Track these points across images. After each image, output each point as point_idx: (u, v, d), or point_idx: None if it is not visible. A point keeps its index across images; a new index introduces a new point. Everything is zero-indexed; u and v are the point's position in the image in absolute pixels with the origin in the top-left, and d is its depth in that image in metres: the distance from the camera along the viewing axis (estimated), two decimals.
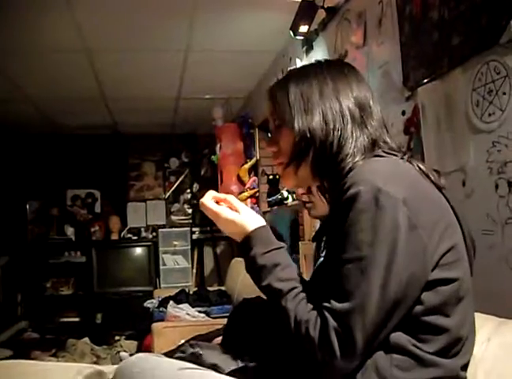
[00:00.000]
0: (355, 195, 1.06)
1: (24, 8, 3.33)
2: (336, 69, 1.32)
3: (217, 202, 1.30)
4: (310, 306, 1.08)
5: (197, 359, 1.49)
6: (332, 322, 1.01)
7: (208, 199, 1.29)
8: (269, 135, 1.40)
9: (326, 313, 1.03)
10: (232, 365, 1.40)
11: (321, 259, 1.87)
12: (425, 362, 1.06)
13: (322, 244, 2.16)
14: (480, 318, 1.25)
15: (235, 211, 1.27)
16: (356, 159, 1.18)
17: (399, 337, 1.06)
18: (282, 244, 1.23)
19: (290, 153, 1.28)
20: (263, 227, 1.24)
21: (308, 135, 1.23)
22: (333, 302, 1.03)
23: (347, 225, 1.06)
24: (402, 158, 1.20)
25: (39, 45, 4.00)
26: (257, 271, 1.18)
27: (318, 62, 1.36)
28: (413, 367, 1.05)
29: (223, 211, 1.26)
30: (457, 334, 1.10)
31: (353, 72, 1.32)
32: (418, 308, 1.06)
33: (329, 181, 1.25)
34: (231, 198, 1.30)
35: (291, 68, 1.42)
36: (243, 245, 1.24)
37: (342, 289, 1.03)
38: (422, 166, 1.19)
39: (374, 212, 1.03)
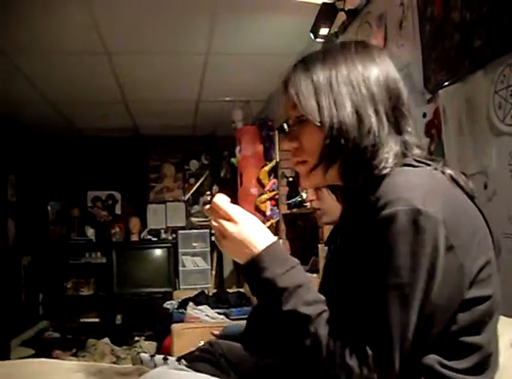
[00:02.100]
0: (392, 216, 0.97)
1: (44, 9, 3.36)
2: (363, 49, 1.17)
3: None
4: (342, 334, 1.00)
5: (216, 360, 1.50)
6: (370, 353, 0.95)
7: (225, 199, 1.13)
8: (286, 128, 1.24)
9: (365, 343, 0.96)
10: (252, 366, 1.41)
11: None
12: None
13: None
14: (502, 321, 1.23)
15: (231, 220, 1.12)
16: (389, 166, 1.08)
17: (429, 359, 1.02)
18: (296, 260, 1.10)
19: (317, 152, 1.13)
20: (275, 242, 1.10)
21: (339, 133, 1.09)
22: (372, 332, 0.97)
23: (383, 247, 0.98)
24: (436, 168, 1.10)
25: (60, 47, 4.04)
26: (276, 295, 1.04)
27: (343, 44, 1.21)
28: None
29: (229, 226, 1.11)
30: (488, 350, 1.06)
31: (383, 56, 1.18)
32: (452, 328, 1.02)
33: (357, 184, 1.13)
34: (229, 209, 1.13)
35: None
36: (253, 265, 1.08)
37: (381, 319, 0.96)
38: (454, 175, 1.10)
39: (414, 235, 0.96)
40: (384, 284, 0.97)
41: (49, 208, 7.17)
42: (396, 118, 1.13)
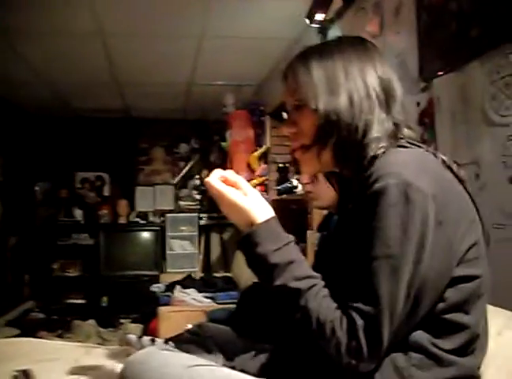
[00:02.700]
0: (383, 189, 1.01)
1: None
2: (360, 46, 1.25)
3: (224, 182, 1.18)
4: (335, 304, 1.04)
5: (204, 342, 1.50)
6: (360, 322, 0.98)
7: (215, 178, 1.18)
8: (285, 116, 1.31)
9: (353, 313, 0.99)
10: (241, 349, 1.41)
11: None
12: (443, 361, 1.04)
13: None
14: (490, 311, 1.24)
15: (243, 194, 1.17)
16: (381, 146, 1.12)
17: (418, 336, 1.05)
18: (291, 237, 1.14)
19: (313, 135, 1.19)
20: (272, 218, 1.14)
21: (334, 117, 1.15)
22: (360, 301, 1.00)
23: (374, 219, 1.01)
24: (427, 150, 1.16)
25: (56, 29, 4.00)
26: (268, 270, 1.09)
27: (340, 39, 1.30)
28: (431, 366, 1.04)
29: (229, 192, 1.15)
30: (476, 331, 1.09)
31: (376, 50, 1.26)
32: (440, 305, 1.05)
33: (352, 167, 1.18)
34: (239, 180, 1.19)
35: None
36: (248, 239, 1.12)
37: (371, 288, 0.99)
38: (445, 159, 1.16)
39: (404, 207, 0.99)
40: (374, 255, 1.00)
41: (36, 188, 7.11)
42: (387, 101, 1.19)
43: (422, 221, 0.99)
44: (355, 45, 1.24)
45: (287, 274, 1.07)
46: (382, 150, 1.12)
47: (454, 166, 1.16)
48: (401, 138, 1.17)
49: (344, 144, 1.17)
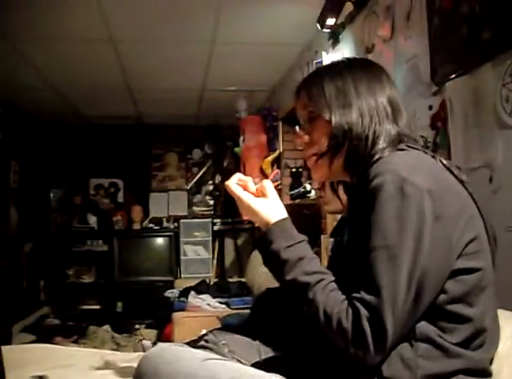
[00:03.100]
0: (380, 184, 1.07)
1: None
2: (368, 67, 1.36)
3: (241, 184, 1.28)
4: (342, 297, 1.08)
5: (219, 349, 1.51)
6: (364, 312, 1.01)
7: (234, 182, 1.28)
8: (298, 127, 1.41)
9: (357, 304, 1.03)
10: (256, 356, 1.41)
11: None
12: (450, 352, 1.06)
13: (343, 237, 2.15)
14: (504, 315, 1.25)
15: (262, 193, 1.26)
16: (384, 153, 1.19)
17: (424, 327, 1.07)
18: (304, 236, 1.21)
19: (325, 144, 1.28)
20: (284, 219, 1.22)
21: (346, 127, 1.24)
22: (362, 292, 1.03)
23: (373, 214, 1.07)
24: (425, 152, 1.22)
25: (66, 35, 4.03)
26: (280, 265, 1.16)
27: (348, 59, 1.39)
28: (438, 357, 1.06)
29: (246, 197, 1.25)
30: (481, 325, 1.10)
31: (383, 71, 1.35)
32: (442, 297, 1.07)
33: (359, 175, 1.23)
34: (265, 185, 1.28)
35: (318, 61, 1.48)
36: (263, 238, 1.21)
37: (371, 278, 1.03)
38: (444, 161, 1.21)
39: (400, 200, 1.04)
40: (372, 246, 1.05)
41: (51, 195, 7.17)
42: (393, 115, 1.28)
43: (418, 213, 1.04)
44: (364, 65, 1.36)
45: (297, 269, 1.13)
46: (384, 153, 1.19)
47: (454, 168, 1.21)
48: (401, 142, 1.23)
49: (354, 153, 1.24)
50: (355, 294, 1.05)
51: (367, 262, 1.05)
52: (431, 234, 1.03)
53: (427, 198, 1.04)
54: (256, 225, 1.27)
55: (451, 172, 1.19)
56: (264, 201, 1.24)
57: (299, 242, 1.18)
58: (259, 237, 1.23)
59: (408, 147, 1.21)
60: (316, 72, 1.37)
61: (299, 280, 1.12)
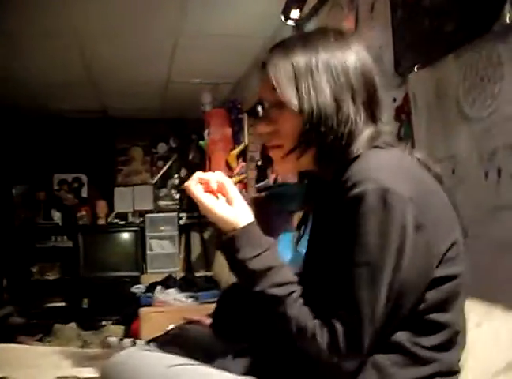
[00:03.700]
0: (361, 194, 0.99)
1: None
2: (342, 38, 1.18)
3: (203, 183, 1.17)
4: (313, 311, 1.04)
5: (185, 343, 1.50)
6: (340, 329, 0.98)
7: (194, 183, 1.16)
8: (260, 112, 1.24)
9: (334, 320, 0.99)
10: (223, 348, 1.40)
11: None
12: (424, 359, 1.05)
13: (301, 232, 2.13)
14: (469, 304, 1.25)
15: (224, 195, 1.17)
16: (361, 150, 1.11)
17: (399, 336, 1.05)
18: (271, 241, 1.14)
19: (294, 138, 1.15)
20: (250, 224, 1.14)
21: (318, 120, 1.11)
22: (340, 308, 1.00)
23: (353, 226, 1.00)
24: (403, 150, 1.15)
25: (30, 29, 3.96)
26: (247, 276, 1.10)
27: (322, 30, 1.22)
28: (412, 364, 1.04)
29: (207, 201, 1.15)
30: (456, 328, 1.09)
31: (360, 45, 1.21)
32: (421, 306, 1.05)
33: (331, 170, 1.15)
34: (219, 178, 1.18)
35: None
36: (228, 244, 1.12)
37: (350, 295, 0.99)
38: (422, 159, 1.16)
39: (382, 213, 0.98)
40: (354, 262, 1.00)
41: (14, 191, 7.03)
42: (371, 108, 1.16)
43: (401, 227, 0.99)
44: (338, 35, 1.18)
45: (266, 280, 1.07)
46: (359, 152, 1.11)
47: (431, 164, 1.16)
48: (377, 139, 1.15)
49: (326, 149, 1.13)
50: (331, 310, 1.01)
51: (347, 277, 1.00)
52: (412, 246, 0.99)
53: (410, 208, 0.99)
54: (220, 228, 1.17)
55: (428, 169, 1.14)
56: (227, 205, 1.16)
57: (267, 250, 1.11)
58: (223, 242, 1.14)
59: (385, 143, 1.14)
60: (286, 43, 1.19)
61: (268, 293, 1.07)
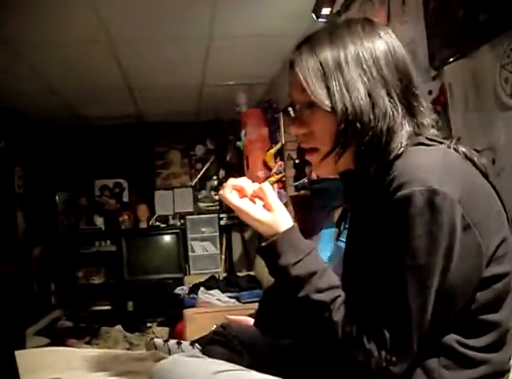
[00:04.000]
0: (408, 197, 0.96)
1: (45, 0, 3.35)
2: (370, 27, 1.14)
3: (237, 190, 1.16)
4: (360, 316, 1.02)
5: (229, 341, 1.52)
6: (389, 335, 0.97)
7: (229, 191, 1.15)
8: (293, 113, 1.20)
9: (381, 325, 0.98)
10: (264, 348, 1.42)
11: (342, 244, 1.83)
12: (474, 361, 1.03)
13: (342, 228, 2.12)
14: None
15: (262, 200, 1.15)
16: (402, 145, 1.07)
17: (448, 338, 1.03)
18: (312, 244, 1.13)
19: (330, 139, 1.11)
20: (291, 228, 1.12)
21: (354, 118, 1.06)
22: (389, 313, 0.98)
23: (400, 229, 0.98)
24: (448, 146, 1.09)
25: (62, 37, 4.02)
26: (290, 282, 1.08)
27: (349, 22, 1.16)
28: (462, 367, 1.02)
29: (245, 207, 1.13)
30: (506, 327, 1.06)
31: (390, 33, 1.16)
32: (472, 306, 1.02)
33: (373, 169, 1.10)
34: (263, 188, 1.16)
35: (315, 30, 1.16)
36: (269, 250, 1.11)
37: (399, 300, 0.97)
38: (468, 153, 1.10)
39: (431, 215, 0.95)
40: (402, 266, 0.97)
41: (57, 198, 7.19)
42: (408, 99, 1.11)
43: (450, 229, 0.96)
44: (367, 28, 1.13)
45: (309, 286, 1.06)
46: (402, 149, 1.07)
47: (476, 158, 1.10)
48: (420, 135, 1.11)
49: (366, 148, 1.08)
50: (379, 315, 0.99)
51: (394, 281, 0.99)
52: (462, 248, 0.97)
53: (458, 209, 0.96)
54: (260, 232, 1.16)
55: (475, 165, 1.09)
56: (264, 210, 1.14)
57: (308, 254, 1.09)
58: (264, 247, 1.12)
59: (428, 139, 1.09)
60: (312, 39, 1.14)
61: (312, 298, 1.06)
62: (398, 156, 1.06)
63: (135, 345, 5.13)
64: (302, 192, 4.59)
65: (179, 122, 7.29)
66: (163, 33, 4.10)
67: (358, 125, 1.06)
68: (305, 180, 4.44)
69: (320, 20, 3.26)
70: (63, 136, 7.12)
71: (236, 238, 7.33)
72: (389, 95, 1.08)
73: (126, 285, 6.88)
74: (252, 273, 5.54)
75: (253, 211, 1.13)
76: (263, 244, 1.12)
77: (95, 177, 7.27)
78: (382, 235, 1.02)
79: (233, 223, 7.15)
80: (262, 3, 3.65)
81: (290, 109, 1.22)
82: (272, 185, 5.33)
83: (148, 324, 5.91)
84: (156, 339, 2.27)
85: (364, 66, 1.08)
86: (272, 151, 5.37)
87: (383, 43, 1.11)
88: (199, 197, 7.52)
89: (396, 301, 0.98)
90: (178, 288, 5.46)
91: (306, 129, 1.16)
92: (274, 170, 5.29)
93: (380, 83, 1.08)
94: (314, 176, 4.27)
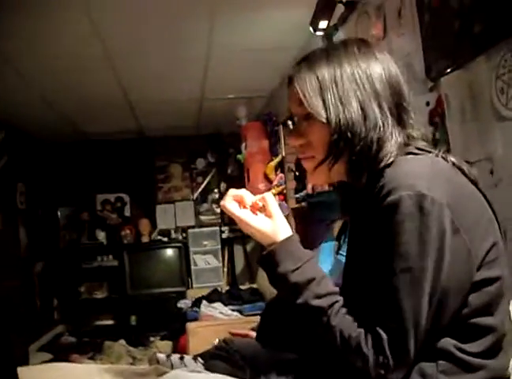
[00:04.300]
0: (397, 202, 1.00)
1: (44, 16, 3.38)
2: (366, 48, 1.19)
3: (240, 202, 1.19)
4: (357, 321, 1.04)
5: (231, 356, 1.52)
6: (385, 337, 0.99)
7: (229, 201, 1.18)
8: (291, 125, 1.29)
9: (378, 329, 1.00)
10: (268, 362, 1.42)
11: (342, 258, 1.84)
12: (472, 366, 1.03)
13: (342, 241, 2.12)
14: None
15: (263, 210, 1.18)
16: (392, 155, 1.10)
17: (444, 343, 1.04)
18: (311, 253, 1.15)
19: (325, 149, 1.15)
20: (289, 237, 1.15)
21: (347, 131, 1.11)
22: (384, 317, 1.00)
23: (390, 234, 1.01)
24: (437, 155, 1.13)
25: (62, 53, 4.05)
26: (289, 289, 1.11)
27: (345, 42, 1.22)
28: (460, 372, 1.03)
29: (245, 217, 1.17)
30: (502, 331, 1.07)
31: (384, 54, 1.21)
32: (464, 311, 1.04)
33: (364, 179, 1.14)
34: (251, 198, 1.20)
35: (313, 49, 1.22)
36: (268, 258, 1.14)
37: (393, 303, 0.99)
38: (456, 162, 1.13)
39: (419, 219, 0.98)
40: (394, 270, 1.00)
41: (59, 213, 7.21)
42: (399, 113, 1.15)
43: (439, 232, 0.99)
44: (362, 48, 1.18)
45: (307, 292, 1.08)
46: (392, 159, 1.10)
47: (465, 167, 1.14)
48: (409, 145, 1.14)
49: (357, 158, 1.13)
50: (375, 320, 1.01)
51: (388, 286, 1.01)
52: (451, 251, 0.99)
53: (447, 213, 0.99)
54: (260, 242, 1.19)
55: (464, 174, 1.12)
56: (265, 219, 1.17)
57: (306, 262, 1.11)
58: (263, 256, 1.15)
59: (418, 149, 1.13)
60: (310, 57, 1.20)
61: (310, 304, 1.07)
62: (388, 165, 1.09)
63: (138, 359, 5.12)
64: (300, 204, 4.60)
65: (180, 136, 7.32)
66: (162, 47, 4.13)
67: (349, 135, 1.11)
68: (306, 192, 4.45)
69: (317, 33, 3.28)
70: (64, 151, 7.16)
71: (238, 250, 7.33)
72: (380, 107, 1.13)
73: (128, 299, 6.88)
74: (254, 286, 5.54)
75: (253, 220, 1.17)
76: (263, 253, 1.15)
77: (96, 191, 7.29)
78: (374, 241, 1.05)
79: (235, 235, 7.16)
80: (260, 17, 3.69)
81: (289, 122, 1.28)
82: (273, 196, 5.35)
83: (151, 339, 5.90)
84: (158, 354, 2.27)
85: (358, 82, 1.13)
86: (273, 163, 5.39)
87: (378, 64, 1.16)
88: (200, 210, 7.53)
89: (390, 303, 1.00)
90: (181, 302, 5.46)
91: (303, 140, 1.21)
92: (275, 183, 5.30)
93: (372, 96, 1.13)
94: (309, 190, 4.29)
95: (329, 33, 3.40)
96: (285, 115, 4.86)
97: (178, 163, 7.56)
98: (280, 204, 5.20)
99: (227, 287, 6.02)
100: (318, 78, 1.14)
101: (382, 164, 1.10)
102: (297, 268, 1.10)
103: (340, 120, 1.12)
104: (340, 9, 3.16)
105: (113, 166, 7.23)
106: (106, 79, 4.72)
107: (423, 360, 1.03)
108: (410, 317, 0.98)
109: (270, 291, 4.28)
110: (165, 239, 7.27)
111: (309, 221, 4.25)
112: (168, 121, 6.55)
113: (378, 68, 1.16)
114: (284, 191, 5.20)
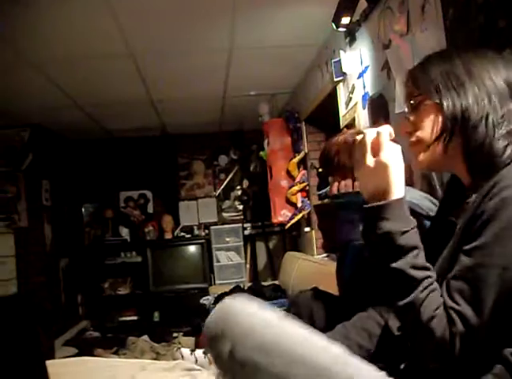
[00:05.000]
0: (509, 199, 0.99)
1: (68, 16, 3.42)
2: (479, 50, 1.23)
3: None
4: (440, 301, 1.02)
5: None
6: (460, 327, 0.98)
7: (386, 133, 1.12)
8: (407, 111, 1.27)
9: (455, 315, 0.99)
10: None
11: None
12: None
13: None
14: None
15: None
16: (509, 154, 1.10)
17: (507, 351, 1.02)
18: (415, 221, 1.11)
19: (434, 133, 1.18)
20: (403, 198, 1.11)
21: (460, 112, 1.13)
22: (464, 305, 1.00)
23: (494, 225, 1.00)
24: None
25: (86, 52, 4.09)
26: (391, 249, 1.06)
27: (457, 47, 1.31)
28: None
29: (396, 148, 1.11)
30: None
31: (496, 53, 1.23)
32: None
33: (478, 171, 1.14)
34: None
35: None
36: (378, 210, 1.09)
37: (478, 295, 0.99)
38: None
39: None
40: (490, 263, 0.99)
41: (83, 210, 7.29)
42: None
43: None
44: (474, 49, 1.23)
45: (406, 259, 1.05)
46: (509, 161, 1.09)
47: None
48: None
49: (470, 145, 1.13)
50: (453, 305, 1.01)
51: (476, 274, 1.00)
52: None
53: None
54: (365, 187, 1.14)
55: None
56: (394, 169, 1.11)
57: (414, 228, 1.09)
58: (374, 207, 1.10)
59: None
60: (423, 59, 1.26)
61: (406, 272, 1.04)
62: (505, 166, 1.08)
63: (161, 355, 5.14)
64: (325, 200, 4.59)
65: (202, 133, 7.35)
66: (184, 45, 4.15)
67: (462, 117, 1.13)
68: (328, 189, 4.44)
69: (340, 29, 3.28)
70: (88, 149, 7.23)
71: (261, 247, 7.34)
72: (496, 93, 1.14)
73: (151, 295, 6.93)
74: (277, 282, 5.53)
75: (392, 161, 1.11)
76: (377, 203, 1.10)
77: (120, 189, 7.36)
78: (474, 229, 1.03)
79: (257, 232, 7.17)
80: (282, 14, 3.68)
81: (406, 109, 1.28)
82: (295, 194, 5.35)
83: (174, 334, 5.93)
84: (182, 349, 2.29)
85: (473, 74, 1.16)
86: (296, 160, 5.39)
87: (490, 58, 1.19)
88: (223, 207, 7.56)
89: (475, 294, 0.99)
90: (204, 298, 5.46)
91: (411, 126, 1.24)
92: (298, 180, 5.30)
93: (489, 84, 1.14)
94: (334, 190, 4.26)
95: (351, 29, 3.39)
96: (308, 111, 4.85)
97: (200, 160, 7.59)
98: (302, 201, 5.21)
99: (250, 284, 6.02)
100: (429, 69, 1.20)
101: (499, 159, 1.09)
102: (406, 231, 1.07)
103: (454, 104, 1.14)
104: (362, 4, 3.15)
105: (136, 163, 7.29)
106: (129, 77, 4.75)
107: (485, 367, 1.01)
108: (488, 313, 0.97)
109: (292, 287, 4.28)
110: (188, 236, 7.32)
111: (333, 219, 4.21)
112: (191, 118, 6.59)
113: (495, 69, 1.17)
114: (307, 188, 5.20)
